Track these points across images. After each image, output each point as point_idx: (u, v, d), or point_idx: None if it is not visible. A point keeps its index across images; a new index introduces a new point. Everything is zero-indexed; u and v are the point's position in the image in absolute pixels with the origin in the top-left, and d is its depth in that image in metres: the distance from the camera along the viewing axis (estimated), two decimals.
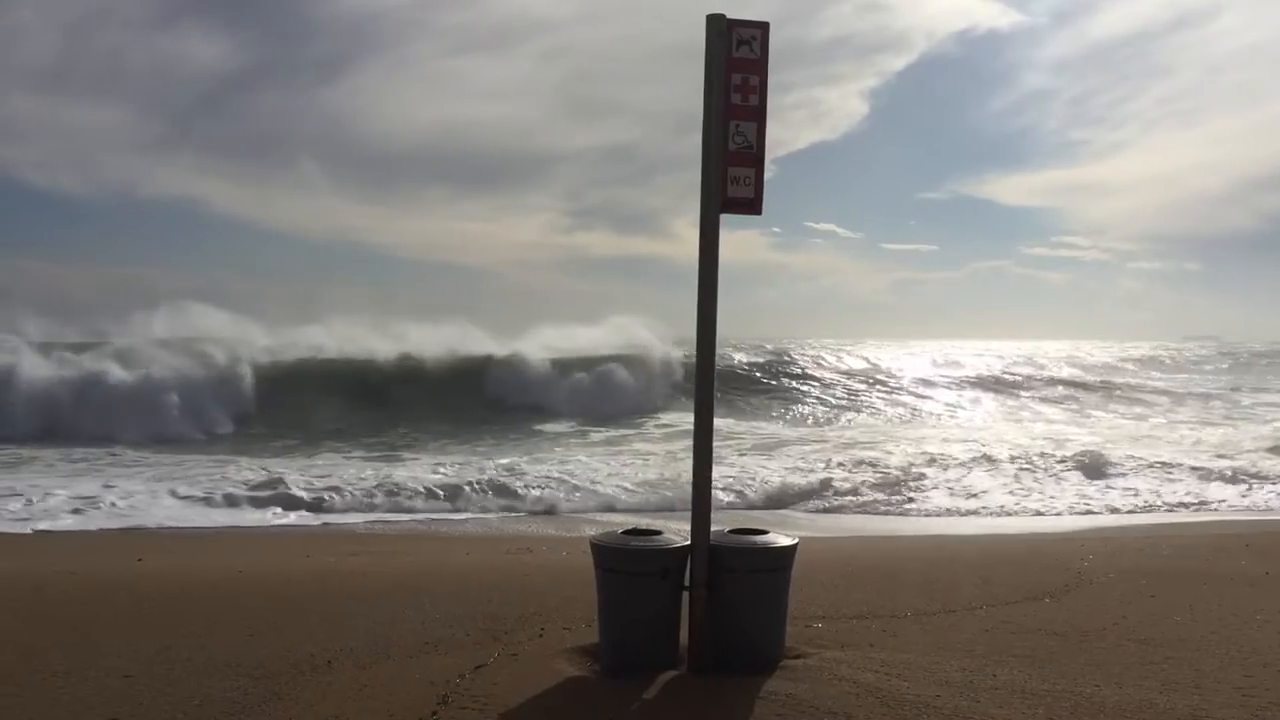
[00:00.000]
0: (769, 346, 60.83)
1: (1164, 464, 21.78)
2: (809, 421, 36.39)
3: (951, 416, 38.83)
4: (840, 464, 21.63)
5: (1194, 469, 21.19)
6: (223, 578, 9.72)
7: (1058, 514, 17.55)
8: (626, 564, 6.14)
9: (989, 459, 22.30)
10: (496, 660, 6.50)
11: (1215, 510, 17.82)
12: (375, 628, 7.40)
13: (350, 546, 13.12)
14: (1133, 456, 22.34)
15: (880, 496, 18.92)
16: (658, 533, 6.48)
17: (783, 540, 6.34)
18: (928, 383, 47.68)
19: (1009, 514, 17.66)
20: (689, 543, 6.19)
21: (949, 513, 17.70)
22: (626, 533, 6.51)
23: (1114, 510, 17.72)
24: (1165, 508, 18.12)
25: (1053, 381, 50.74)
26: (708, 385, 6.19)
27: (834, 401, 41.26)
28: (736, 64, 5.99)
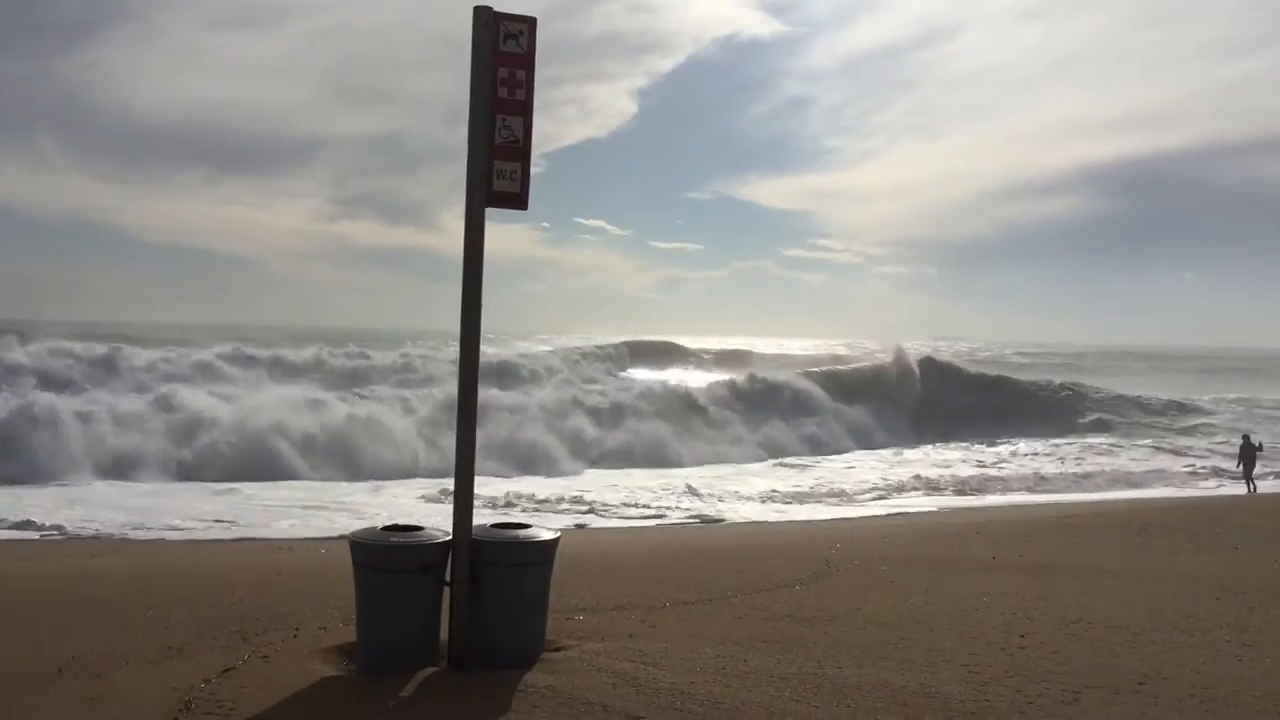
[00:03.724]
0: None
1: None
2: None
3: None
4: None
5: None
6: None
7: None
8: (386, 560, 6.02)
9: None
10: (246, 663, 6.24)
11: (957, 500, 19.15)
12: (112, 633, 6.97)
13: (92, 549, 12.33)
14: None
15: None
16: (419, 528, 6.38)
17: (544, 534, 6.37)
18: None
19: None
20: (450, 538, 6.13)
21: None
22: (386, 528, 6.39)
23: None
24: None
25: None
26: (471, 376, 6.14)
27: None
28: (504, 58, 5.97)
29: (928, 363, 47.44)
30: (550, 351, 53.05)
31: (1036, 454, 32.69)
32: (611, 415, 33.87)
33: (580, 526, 16.41)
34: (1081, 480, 25.89)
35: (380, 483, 23.00)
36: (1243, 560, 11.03)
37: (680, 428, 33.63)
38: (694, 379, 46.15)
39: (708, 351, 65.25)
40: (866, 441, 35.77)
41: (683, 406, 36.31)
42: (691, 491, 21.62)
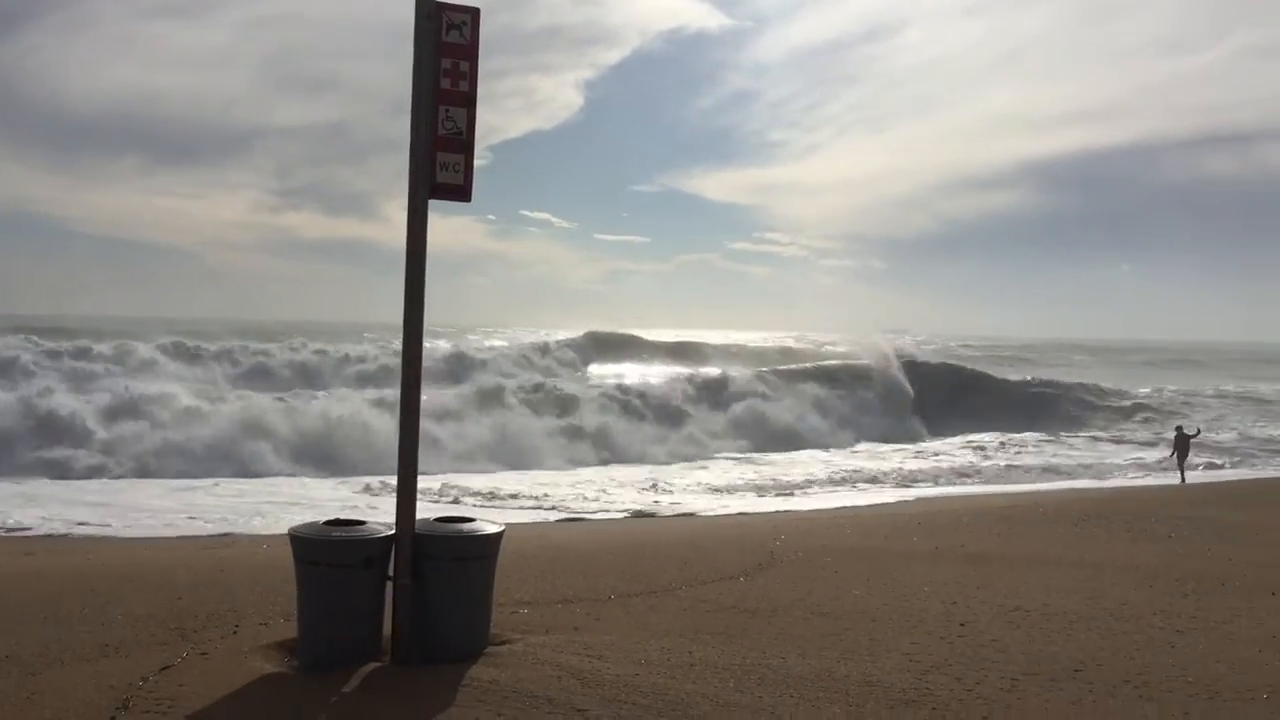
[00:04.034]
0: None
1: None
2: None
3: None
4: None
5: None
6: None
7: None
8: (328, 555, 5.96)
9: None
10: (185, 660, 6.16)
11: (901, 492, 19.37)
12: (48, 631, 6.85)
13: (25, 546, 12.08)
14: None
15: None
16: (361, 523, 6.33)
17: (489, 528, 6.34)
18: None
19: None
20: (393, 532, 6.09)
21: None
22: (328, 523, 6.32)
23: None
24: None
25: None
26: (414, 371, 6.10)
27: None
28: (447, 49, 5.93)
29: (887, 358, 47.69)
30: (507, 345, 52.65)
31: (984, 445, 33.14)
32: (576, 410, 33.57)
33: (578, 519, 16.36)
34: (1026, 471, 26.32)
35: (350, 478, 22.64)
36: (1175, 549, 11.27)
37: (640, 421, 33.49)
38: (655, 373, 45.95)
39: (666, 344, 64.48)
40: (826, 436, 35.60)
41: (645, 401, 36.02)
42: (644, 486, 21.67)
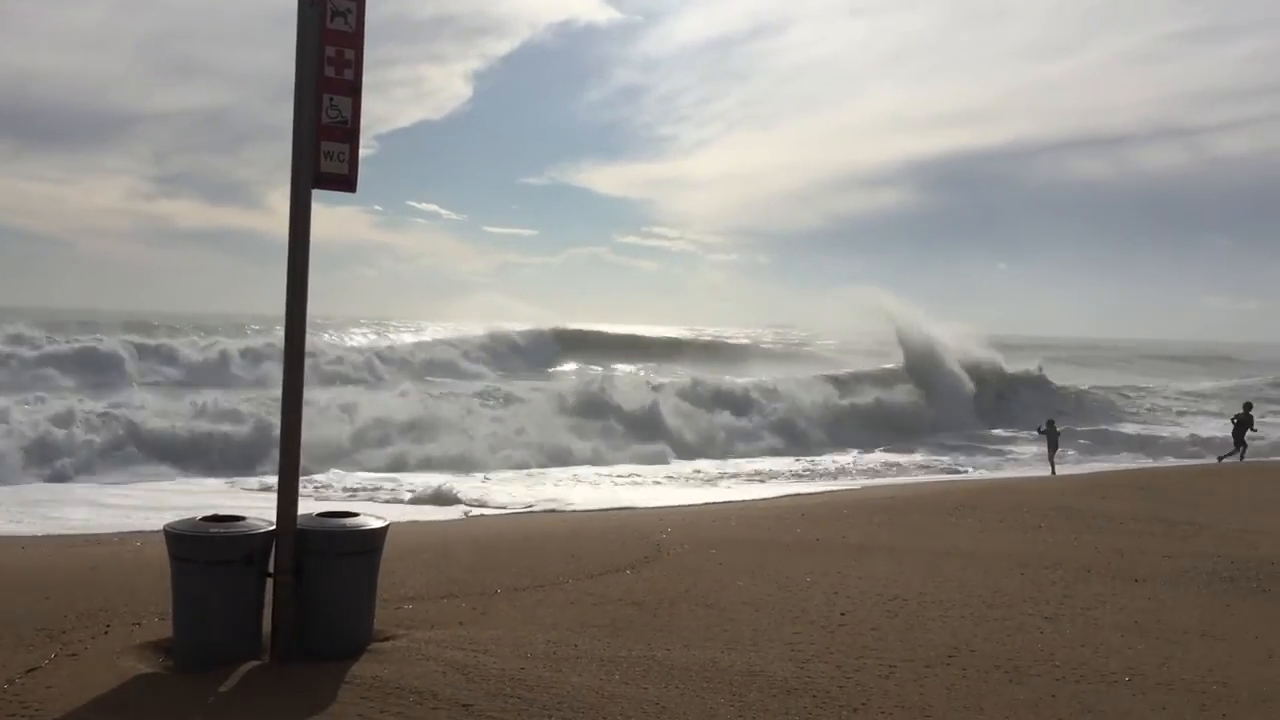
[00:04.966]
0: None
1: None
2: None
3: None
4: None
5: None
6: None
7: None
8: (205, 552, 5.81)
9: None
10: (53, 662, 5.94)
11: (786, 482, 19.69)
12: None
13: None
14: None
15: None
16: (241, 518, 6.18)
17: (373, 523, 6.27)
18: None
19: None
20: (274, 527, 5.97)
21: None
22: (206, 519, 6.16)
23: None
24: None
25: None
26: (297, 363, 5.99)
27: None
28: (331, 36, 5.82)
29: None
30: (420, 339, 51.45)
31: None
32: (500, 410, 32.30)
33: (466, 513, 16.16)
34: (910, 468, 26.94)
35: (232, 476, 21.79)
36: (1044, 538, 11.71)
37: (559, 418, 32.12)
38: (615, 372, 45.26)
39: (620, 337, 61.53)
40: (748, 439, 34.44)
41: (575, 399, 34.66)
42: (534, 482, 21.62)
